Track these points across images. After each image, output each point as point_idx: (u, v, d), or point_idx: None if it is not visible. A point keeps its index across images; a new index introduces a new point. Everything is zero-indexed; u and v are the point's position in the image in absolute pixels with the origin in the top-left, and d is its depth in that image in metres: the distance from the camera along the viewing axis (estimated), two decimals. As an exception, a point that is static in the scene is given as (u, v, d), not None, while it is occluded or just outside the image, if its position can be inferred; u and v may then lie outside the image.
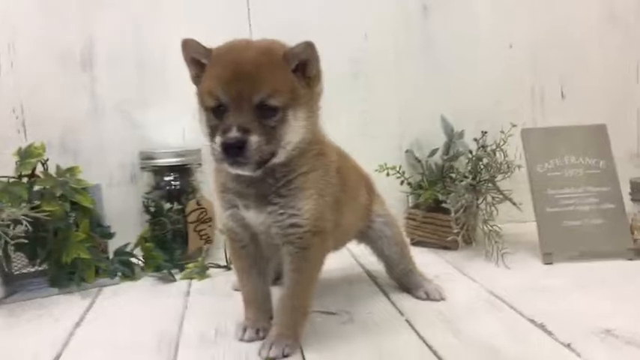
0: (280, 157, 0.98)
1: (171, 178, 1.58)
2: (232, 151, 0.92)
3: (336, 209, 1.08)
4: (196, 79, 1.02)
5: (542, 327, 1.07)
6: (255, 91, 0.92)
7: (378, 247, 1.29)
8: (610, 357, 0.94)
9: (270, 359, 0.98)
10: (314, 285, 1.07)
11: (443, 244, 1.61)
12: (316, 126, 1.04)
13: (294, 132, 0.97)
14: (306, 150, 1.02)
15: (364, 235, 1.29)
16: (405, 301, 1.25)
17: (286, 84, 0.95)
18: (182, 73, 1.64)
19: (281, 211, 1.01)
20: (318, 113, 1.03)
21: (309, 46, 0.95)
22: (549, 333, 1.04)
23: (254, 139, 0.92)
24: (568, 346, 0.98)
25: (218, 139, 0.93)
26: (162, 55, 1.65)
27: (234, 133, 0.91)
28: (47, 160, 1.45)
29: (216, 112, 0.96)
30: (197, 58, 1.00)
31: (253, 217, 1.03)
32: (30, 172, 1.42)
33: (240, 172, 0.97)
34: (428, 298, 1.24)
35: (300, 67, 0.97)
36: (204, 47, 1.00)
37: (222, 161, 0.94)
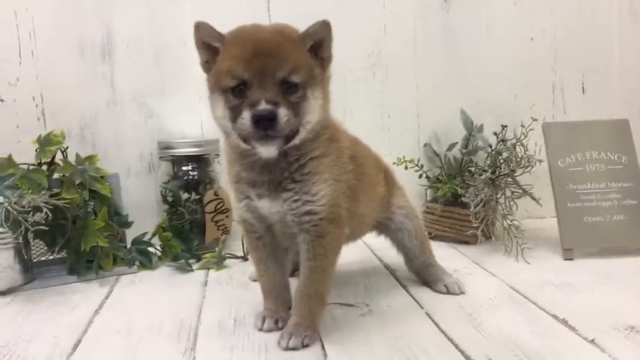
0: (301, 136, 0.97)
1: (189, 168, 1.58)
2: (263, 124, 0.91)
3: (350, 196, 1.07)
4: (206, 65, 1.01)
5: (564, 322, 1.05)
6: (278, 67, 0.93)
7: (398, 239, 1.28)
8: (635, 353, 0.93)
9: (289, 349, 0.98)
10: (331, 273, 1.06)
11: (461, 238, 1.60)
12: (328, 110, 1.03)
13: (313, 111, 0.97)
14: (319, 134, 1.01)
15: (384, 227, 1.28)
16: (425, 294, 1.24)
17: (305, 62, 0.96)
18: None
19: (296, 197, 1.01)
20: (329, 97, 1.03)
21: (324, 25, 0.97)
22: (572, 328, 1.03)
23: (283, 112, 0.92)
24: (592, 341, 0.97)
25: (247, 114, 0.92)
26: (180, 46, 1.64)
27: (264, 106, 0.90)
28: (67, 148, 1.45)
29: (235, 92, 0.95)
30: (209, 42, 0.99)
31: (267, 206, 1.03)
32: (50, 159, 1.42)
33: (267, 147, 0.95)
34: (447, 291, 1.23)
35: (315, 48, 0.98)
36: (217, 31, 0.99)
37: (251, 136, 0.93)
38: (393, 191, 1.30)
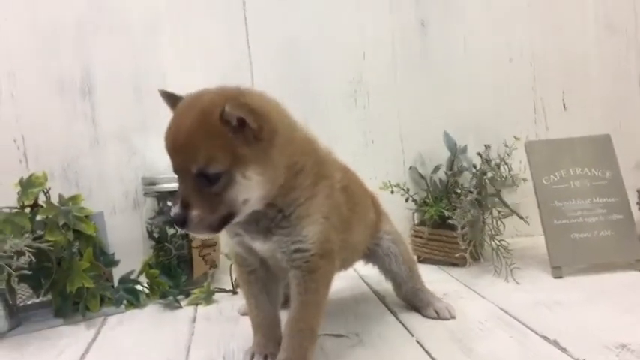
0: (245, 213, 0.94)
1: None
2: (179, 226, 0.91)
3: (344, 229, 1.07)
4: None
5: (555, 343, 1.05)
6: (191, 163, 0.89)
7: (385, 265, 1.27)
8: (627, 372, 0.92)
9: None
10: (322, 307, 1.04)
11: (450, 260, 1.59)
12: (278, 177, 0.95)
13: (247, 190, 0.92)
14: (300, 182, 0.98)
15: (371, 254, 1.28)
16: (415, 320, 1.23)
17: (224, 148, 0.88)
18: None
19: (285, 238, 1.00)
20: (281, 161, 0.95)
21: (238, 105, 0.87)
22: (563, 349, 1.02)
23: (194, 214, 0.89)
24: (583, 362, 0.97)
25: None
26: (161, 80, 1.65)
27: (176, 209, 0.90)
28: (49, 189, 1.44)
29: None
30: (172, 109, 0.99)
31: (259, 245, 1.02)
32: (32, 202, 1.41)
33: (199, 236, 0.97)
34: (438, 316, 1.22)
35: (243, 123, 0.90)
36: (173, 98, 0.99)
37: None
38: (380, 217, 1.30)
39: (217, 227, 0.92)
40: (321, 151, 1.06)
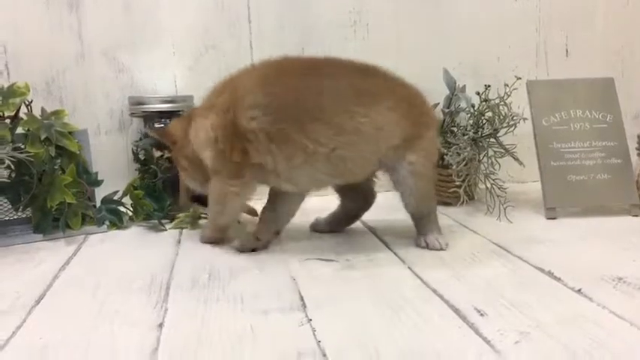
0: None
1: (161, 125, 1.51)
2: None
3: (270, 134, 1.11)
4: None
5: (550, 274, 1.02)
6: None
7: (401, 193, 1.20)
8: (623, 302, 0.90)
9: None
10: (212, 205, 1.22)
11: (443, 199, 1.56)
12: (197, 166, 1.24)
13: (185, 179, 1.33)
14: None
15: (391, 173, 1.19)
16: (405, 249, 1.20)
17: None
18: (174, 17, 1.58)
19: None
20: (186, 156, 1.27)
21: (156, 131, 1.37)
22: (558, 279, 1.00)
23: None
24: (579, 291, 0.94)
25: None
26: (153, -2, 1.57)
27: None
28: (31, 101, 1.37)
29: None
30: None
31: None
32: (13, 112, 1.34)
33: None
34: (427, 247, 1.19)
35: None
36: None
37: None
38: (414, 142, 1.17)
39: (195, 200, 1.33)
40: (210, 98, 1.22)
